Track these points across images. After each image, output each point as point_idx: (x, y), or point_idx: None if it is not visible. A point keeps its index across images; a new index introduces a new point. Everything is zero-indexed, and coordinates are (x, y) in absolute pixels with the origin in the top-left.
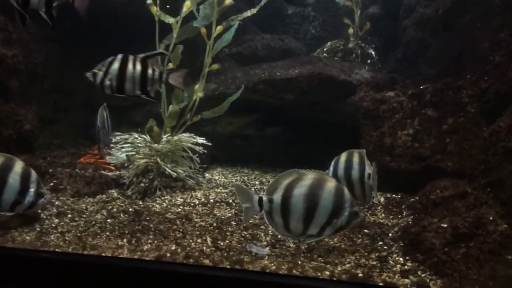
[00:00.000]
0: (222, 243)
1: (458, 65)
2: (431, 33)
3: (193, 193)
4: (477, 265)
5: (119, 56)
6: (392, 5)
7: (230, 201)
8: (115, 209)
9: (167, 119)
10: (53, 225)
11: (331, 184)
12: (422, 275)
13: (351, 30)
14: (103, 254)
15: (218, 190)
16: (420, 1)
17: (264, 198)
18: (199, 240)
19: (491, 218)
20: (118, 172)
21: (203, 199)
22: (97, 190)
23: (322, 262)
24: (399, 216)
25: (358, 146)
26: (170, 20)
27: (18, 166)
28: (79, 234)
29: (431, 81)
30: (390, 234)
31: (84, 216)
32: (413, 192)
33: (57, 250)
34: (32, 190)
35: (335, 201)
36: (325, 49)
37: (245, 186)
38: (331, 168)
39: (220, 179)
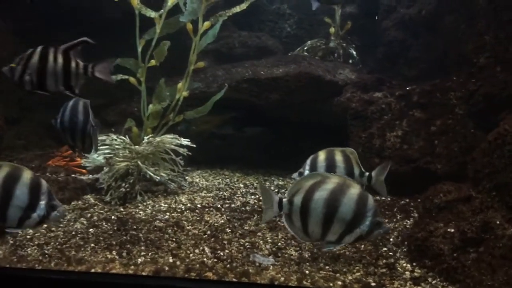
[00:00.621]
0: (222, 253)
1: (441, 67)
2: (413, 34)
3: (176, 197)
4: (490, 270)
5: (39, 48)
6: (370, 4)
7: (219, 206)
8: (95, 217)
9: (149, 119)
10: (28, 236)
11: (354, 190)
12: (433, 282)
13: (332, 29)
14: (93, 270)
15: (203, 194)
16: (401, 1)
17: (284, 200)
18: (196, 251)
19: (498, 222)
20: (91, 176)
21: (189, 204)
22: (72, 196)
23: (330, 271)
24: (394, 220)
25: (344, 147)
26: (151, 14)
27: (26, 176)
28: (59, 247)
29: (412, 82)
30: (391, 239)
31: (61, 225)
32: (402, 194)
33: (37, 266)
34: (43, 202)
35: (356, 209)
36: (305, 48)
37: (267, 186)
38: (308, 167)
39: (202, 182)
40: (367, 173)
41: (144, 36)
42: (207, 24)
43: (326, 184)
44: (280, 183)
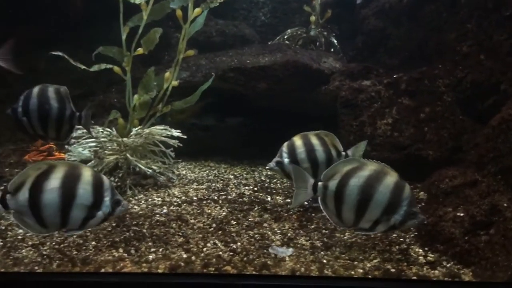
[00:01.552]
0: (234, 246)
1: (421, 55)
2: (394, 22)
3: (168, 190)
4: (504, 251)
5: None
6: None
7: (215, 198)
8: None
9: (136, 110)
10: (19, 237)
11: (391, 178)
12: (448, 266)
13: (312, 18)
14: (103, 270)
15: (195, 187)
16: None
17: (320, 184)
18: (208, 244)
19: (505, 204)
20: None
21: (183, 197)
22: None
23: (347, 259)
24: None
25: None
26: (136, 0)
27: (87, 173)
28: (57, 247)
29: (394, 70)
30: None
31: None
32: None
33: (38, 270)
34: (107, 199)
35: (391, 197)
36: (285, 37)
37: (301, 168)
38: (286, 155)
39: (189, 174)
40: (343, 153)
41: (128, 23)
42: (197, 10)
43: (363, 171)
44: (269, 173)
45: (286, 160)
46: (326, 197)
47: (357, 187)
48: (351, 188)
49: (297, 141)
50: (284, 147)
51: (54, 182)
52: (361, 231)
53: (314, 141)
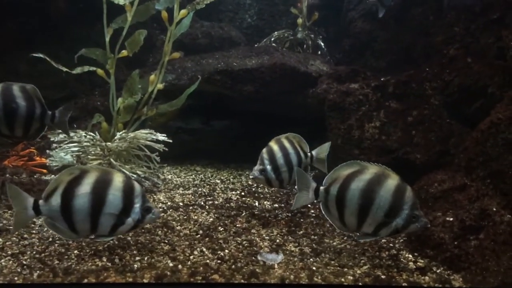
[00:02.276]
0: (222, 253)
1: (408, 58)
2: (381, 25)
3: (154, 196)
4: (494, 256)
5: None
6: None
7: (202, 203)
8: None
9: (121, 114)
10: None
11: (392, 181)
12: (438, 271)
13: (300, 20)
14: (86, 281)
15: (181, 192)
16: None
17: (321, 188)
18: (195, 252)
19: (494, 209)
20: (53, 176)
21: (169, 203)
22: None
23: (337, 265)
24: None
25: (319, 138)
26: (120, 1)
27: (118, 179)
28: (38, 256)
29: (381, 73)
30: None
31: (34, 231)
32: None
33: (18, 281)
34: (137, 206)
35: (392, 201)
36: (272, 39)
37: (304, 172)
38: (267, 162)
39: (175, 179)
40: (309, 153)
41: (112, 24)
42: (183, 12)
43: (364, 174)
44: None
45: (269, 167)
46: (327, 201)
47: (358, 191)
48: (352, 192)
49: (274, 146)
50: (265, 154)
51: (85, 187)
52: (365, 237)
53: (287, 144)
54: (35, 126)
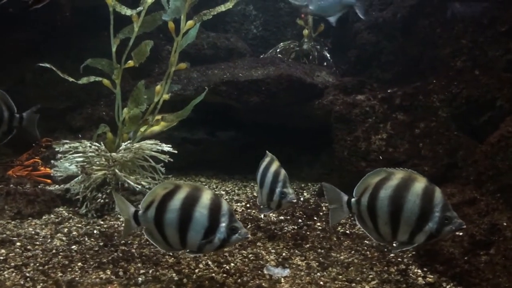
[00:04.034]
0: (228, 267)
1: (415, 70)
2: (387, 37)
3: None
4: (505, 272)
5: None
6: None
7: None
8: (74, 232)
9: (126, 124)
10: (1, 257)
11: (419, 184)
12: (447, 287)
13: (306, 31)
14: None
15: None
16: (373, 4)
17: (352, 200)
18: (200, 265)
19: (505, 224)
20: (58, 186)
21: None
22: (42, 210)
23: (344, 280)
24: None
25: (320, 149)
26: (127, 11)
27: (206, 197)
28: (41, 268)
29: (387, 85)
30: (394, 244)
31: (37, 243)
32: None
33: None
34: (223, 225)
35: (421, 204)
36: (278, 50)
37: (333, 186)
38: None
39: None
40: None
41: (119, 35)
42: (190, 23)
43: (391, 181)
44: None
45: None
46: (361, 213)
47: (387, 199)
48: (381, 201)
49: (273, 166)
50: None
51: (176, 202)
52: (402, 246)
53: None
54: (3, 129)
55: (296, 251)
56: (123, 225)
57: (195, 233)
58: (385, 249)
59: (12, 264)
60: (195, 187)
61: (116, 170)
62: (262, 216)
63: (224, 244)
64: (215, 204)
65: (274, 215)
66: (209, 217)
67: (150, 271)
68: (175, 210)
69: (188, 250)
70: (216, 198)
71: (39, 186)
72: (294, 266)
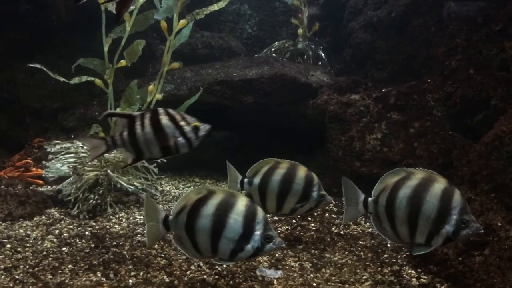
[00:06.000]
0: (220, 269)
1: (410, 69)
2: (382, 36)
3: None
4: (499, 273)
5: None
6: (333, 6)
7: None
8: (65, 234)
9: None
10: None
11: (438, 185)
12: None
13: (300, 31)
14: None
15: None
16: (368, 3)
17: (370, 199)
18: (192, 267)
19: (499, 224)
20: (50, 187)
21: None
22: (34, 211)
23: (338, 282)
24: None
25: (314, 148)
26: None
27: (241, 203)
28: (31, 270)
29: (381, 84)
30: (388, 245)
31: (28, 245)
32: None
33: None
34: (258, 233)
35: (439, 206)
36: (273, 49)
37: (351, 182)
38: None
39: (173, 191)
40: None
41: (111, 34)
42: (183, 22)
43: (410, 181)
44: None
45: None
46: (378, 212)
47: (406, 199)
48: (400, 201)
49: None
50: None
51: (209, 208)
52: (419, 249)
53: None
54: None
55: (290, 252)
56: (111, 225)
57: (227, 241)
58: (379, 250)
59: (2, 266)
60: (230, 193)
61: (109, 171)
62: None
63: (258, 253)
64: (250, 211)
65: (268, 216)
66: (243, 225)
67: (141, 273)
68: (208, 216)
69: (218, 258)
70: (252, 205)
71: (30, 187)
72: (287, 267)
